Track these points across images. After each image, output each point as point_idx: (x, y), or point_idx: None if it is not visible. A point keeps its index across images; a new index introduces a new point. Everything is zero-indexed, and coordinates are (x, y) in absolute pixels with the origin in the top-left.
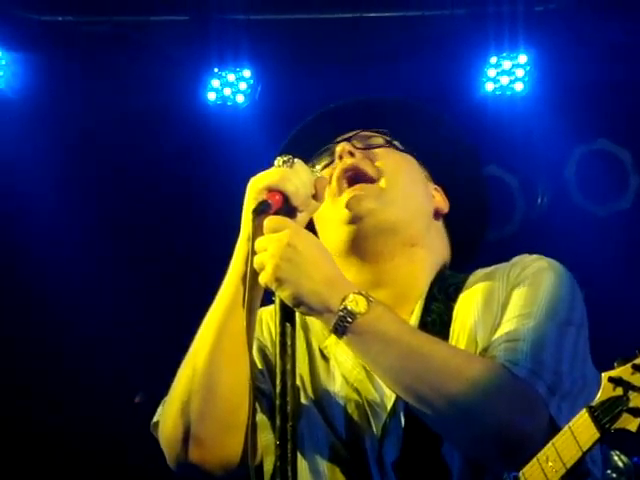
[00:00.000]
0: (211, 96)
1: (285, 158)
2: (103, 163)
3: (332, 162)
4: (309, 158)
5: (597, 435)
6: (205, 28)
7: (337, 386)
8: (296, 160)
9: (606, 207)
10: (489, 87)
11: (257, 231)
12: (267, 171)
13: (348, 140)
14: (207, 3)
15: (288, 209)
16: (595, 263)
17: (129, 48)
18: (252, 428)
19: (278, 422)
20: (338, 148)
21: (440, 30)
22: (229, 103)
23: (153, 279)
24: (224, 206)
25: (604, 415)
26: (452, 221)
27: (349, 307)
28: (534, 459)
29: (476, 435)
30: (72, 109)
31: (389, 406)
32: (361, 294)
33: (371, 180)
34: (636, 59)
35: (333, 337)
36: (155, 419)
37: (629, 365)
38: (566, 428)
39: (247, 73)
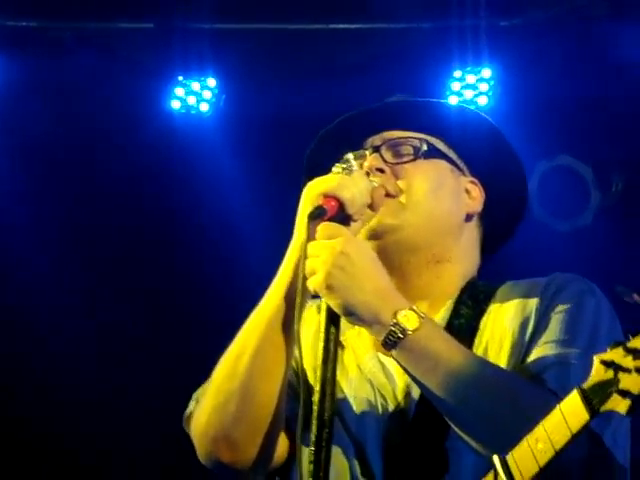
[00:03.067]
0: (175, 104)
1: (344, 165)
2: (64, 171)
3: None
4: (336, 158)
5: (587, 417)
6: (170, 36)
7: (350, 375)
8: (355, 167)
9: (567, 222)
10: (453, 100)
11: (310, 236)
12: (325, 176)
13: (378, 149)
14: (172, 11)
15: (343, 217)
16: None
17: (93, 55)
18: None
19: (314, 429)
20: (367, 163)
21: (405, 43)
22: (193, 112)
23: (114, 289)
24: (188, 213)
25: (594, 396)
26: (488, 215)
27: (401, 322)
28: (524, 440)
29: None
30: (34, 116)
31: (400, 397)
32: (413, 310)
33: (393, 195)
34: (599, 76)
35: (356, 329)
36: (188, 412)
37: (621, 347)
38: (557, 409)
39: (212, 82)
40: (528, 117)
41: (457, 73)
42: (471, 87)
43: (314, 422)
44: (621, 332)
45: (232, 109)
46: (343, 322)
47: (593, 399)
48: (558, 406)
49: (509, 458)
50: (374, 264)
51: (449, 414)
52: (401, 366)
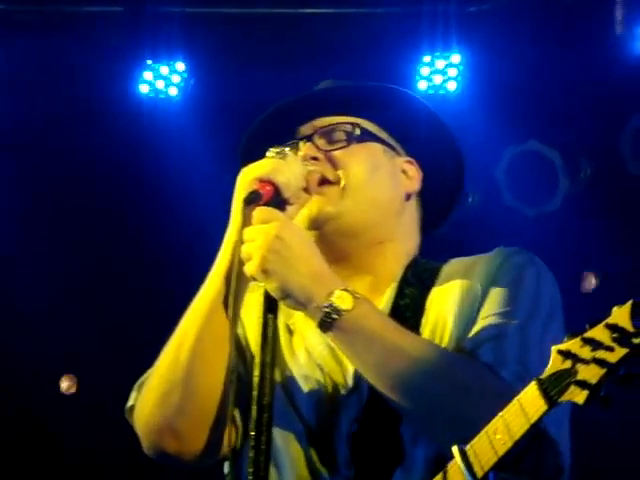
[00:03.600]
0: (143, 88)
1: (278, 149)
2: (31, 157)
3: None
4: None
5: (545, 407)
6: (139, 20)
7: (301, 360)
8: (289, 152)
9: (536, 208)
10: (422, 85)
11: (246, 221)
12: (259, 162)
13: (310, 138)
14: None
15: (279, 201)
16: None
17: (61, 38)
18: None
19: (254, 413)
20: (302, 152)
21: (374, 28)
22: (161, 96)
23: (87, 277)
24: (156, 198)
25: (552, 387)
26: (427, 192)
27: (335, 303)
28: (482, 432)
29: (453, 433)
30: (1, 100)
31: (350, 383)
32: (347, 290)
33: (332, 182)
34: (568, 61)
35: (301, 313)
36: (129, 403)
37: (578, 338)
38: (515, 401)
39: (180, 66)
40: (497, 102)
41: (426, 58)
42: (440, 72)
43: (253, 407)
44: (561, 304)
45: (201, 93)
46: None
47: (551, 390)
48: (516, 398)
49: (468, 449)
50: (309, 247)
51: (387, 390)
52: (338, 347)
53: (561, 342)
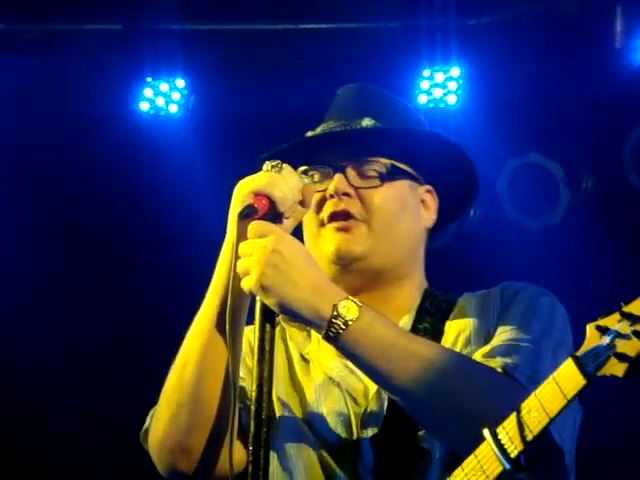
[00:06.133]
0: (144, 106)
1: (274, 163)
2: (32, 173)
3: (323, 180)
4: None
5: (583, 382)
6: (138, 37)
7: (318, 383)
8: (284, 165)
9: (537, 221)
10: (422, 99)
11: (242, 236)
12: (254, 175)
13: (342, 170)
14: (140, 12)
15: (274, 214)
16: (527, 276)
17: (61, 57)
18: (232, 437)
19: (252, 428)
20: (333, 185)
21: (374, 42)
22: (162, 113)
23: (84, 291)
24: (158, 215)
25: (590, 362)
26: (438, 220)
27: (341, 314)
28: (514, 413)
29: (467, 434)
30: (1, 117)
31: (370, 395)
32: (351, 299)
33: (360, 220)
34: (569, 74)
35: (315, 342)
36: (144, 428)
37: (616, 314)
38: (550, 379)
39: (180, 83)
40: (497, 115)
41: (426, 72)
42: (440, 86)
43: (252, 422)
44: (571, 335)
45: (201, 110)
46: (301, 337)
47: (588, 365)
48: (551, 376)
49: (500, 431)
50: (307, 260)
51: (402, 395)
52: (348, 358)
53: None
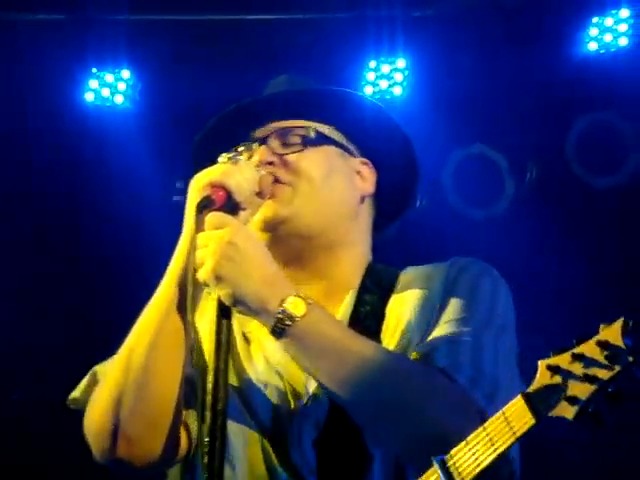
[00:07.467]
0: (89, 97)
1: (230, 155)
2: None
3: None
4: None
5: (532, 421)
6: (82, 28)
7: (259, 368)
8: (241, 157)
9: (482, 211)
10: (368, 90)
11: (199, 227)
12: (211, 167)
13: (265, 141)
14: (84, 2)
15: (232, 206)
16: None
17: (3, 48)
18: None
19: (209, 419)
20: (257, 157)
21: (321, 33)
22: (107, 104)
23: (33, 285)
24: (103, 206)
25: (541, 402)
26: (381, 193)
27: (288, 310)
28: (463, 443)
29: (408, 438)
30: None
31: (312, 389)
32: (300, 297)
33: (286, 185)
34: (512, 64)
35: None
36: (74, 395)
37: (568, 354)
38: (499, 414)
39: (126, 74)
40: (443, 107)
41: (372, 63)
42: (386, 77)
43: (208, 413)
44: (514, 314)
45: (147, 101)
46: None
47: (539, 404)
48: (501, 411)
49: (448, 459)
50: (262, 253)
51: (341, 394)
52: (291, 354)
53: (517, 352)
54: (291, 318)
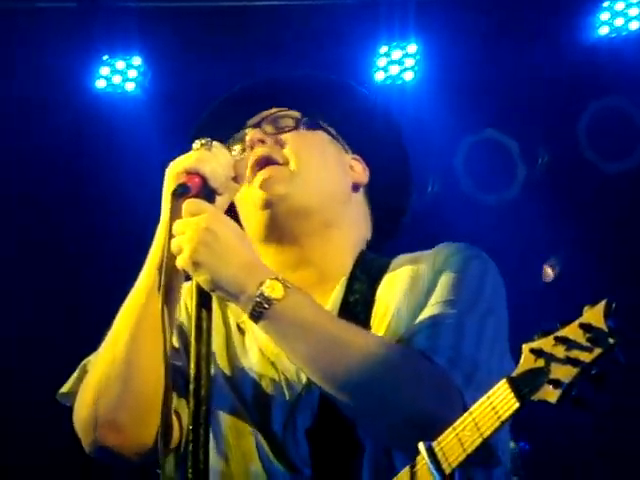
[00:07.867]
0: (100, 84)
1: (203, 141)
2: None
3: (245, 150)
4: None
5: (516, 405)
6: (94, 15)
7: (253, 359)
8: (214, 142)
9: (495, 196)
10: (379, 76)
11: (176, 214)
12: (186, 154)
13: (258, 125)
14: None
15: (207, 192)
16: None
17: (15, 35)
18: (166, 413)
19: (192, 406)
20: (248, 137)
21: (331, 19)
22: (118, 91)
23: (39, 276)
24: (115, 194)
25: (524, 385)
26: (374, 189)
27: (265, 293)
28: (450, 428)
29: (390, 422)
30: None
31: (304, 379)
32: (278, 280)
33: (280, 164)
34: (524, 49)
35: None
36: (64, 390)
37: (551, 337)
38: (484, 398)
39: (137, 61)
40: (454, 92)
41: (383, 49)
42: (397, 63)
43: (191, 400)
44: (505, 299)
45: (158, 88)
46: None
47: (523, 389)
48: (486, 395)
49: (435, 446)
50: (239, 238)
51: (321, 379)
52: (270, 337)
53: (507, 341)
54: (268, 301)
